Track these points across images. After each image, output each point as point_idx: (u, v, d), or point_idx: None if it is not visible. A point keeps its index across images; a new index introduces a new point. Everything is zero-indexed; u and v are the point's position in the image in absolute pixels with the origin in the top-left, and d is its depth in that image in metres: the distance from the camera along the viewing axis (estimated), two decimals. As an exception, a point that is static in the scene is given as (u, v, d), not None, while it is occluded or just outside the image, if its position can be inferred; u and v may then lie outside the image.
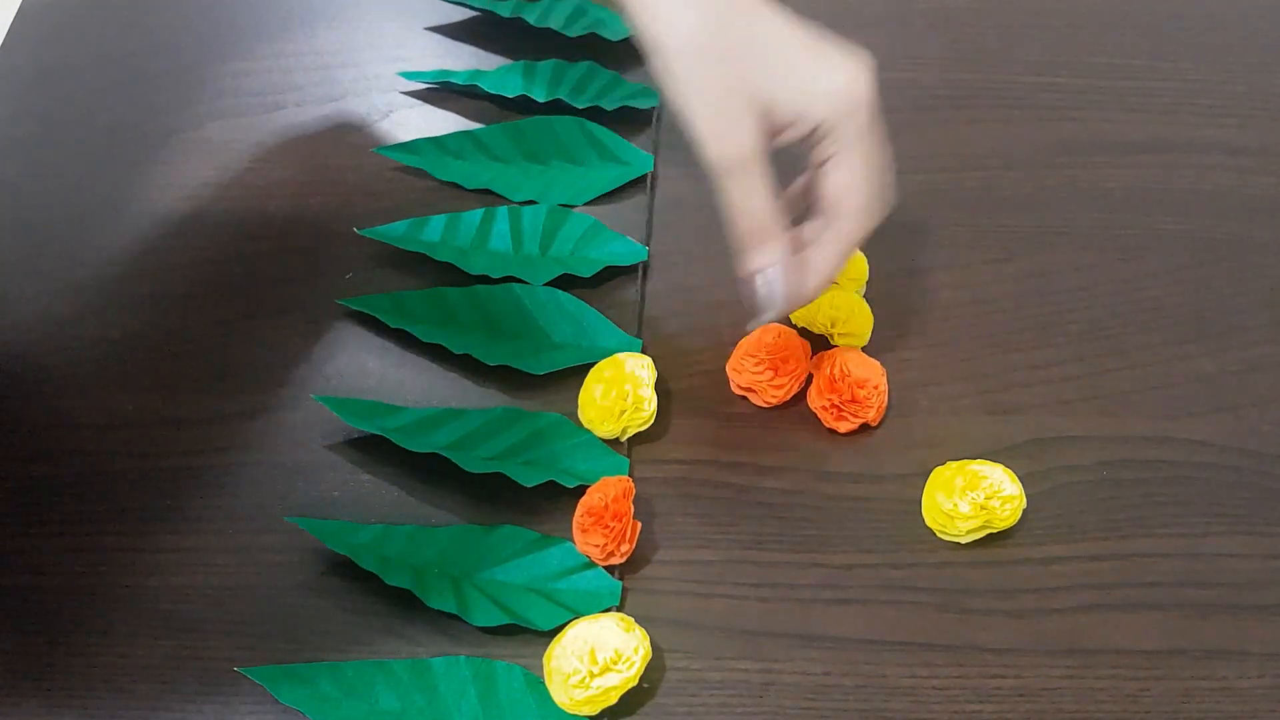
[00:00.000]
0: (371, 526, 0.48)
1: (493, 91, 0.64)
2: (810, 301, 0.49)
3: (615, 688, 0.44)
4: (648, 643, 0.45)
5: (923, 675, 0.46)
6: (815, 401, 0.52)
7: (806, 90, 0.44)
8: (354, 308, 0.55)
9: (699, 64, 0.44)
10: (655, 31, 0.45)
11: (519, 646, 0.46)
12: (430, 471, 0.50)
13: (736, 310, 0.56)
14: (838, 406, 0.51)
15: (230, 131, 0.63)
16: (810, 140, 0.46)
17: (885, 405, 0.52)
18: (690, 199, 0.60)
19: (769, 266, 0.46)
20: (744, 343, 0.53)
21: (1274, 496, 0.51)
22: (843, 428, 0.51)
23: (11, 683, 0.45)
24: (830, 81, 0.44)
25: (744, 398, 0.53)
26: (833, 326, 0.54)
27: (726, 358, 0.54)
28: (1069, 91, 0.66)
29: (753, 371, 0.52)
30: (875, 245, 0.58)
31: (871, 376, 0.51)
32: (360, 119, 0.64)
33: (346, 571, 0.48)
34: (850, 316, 0.54)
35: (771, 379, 0.52)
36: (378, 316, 0.55)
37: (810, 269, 0.47)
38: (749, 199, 0.45)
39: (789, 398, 0.52)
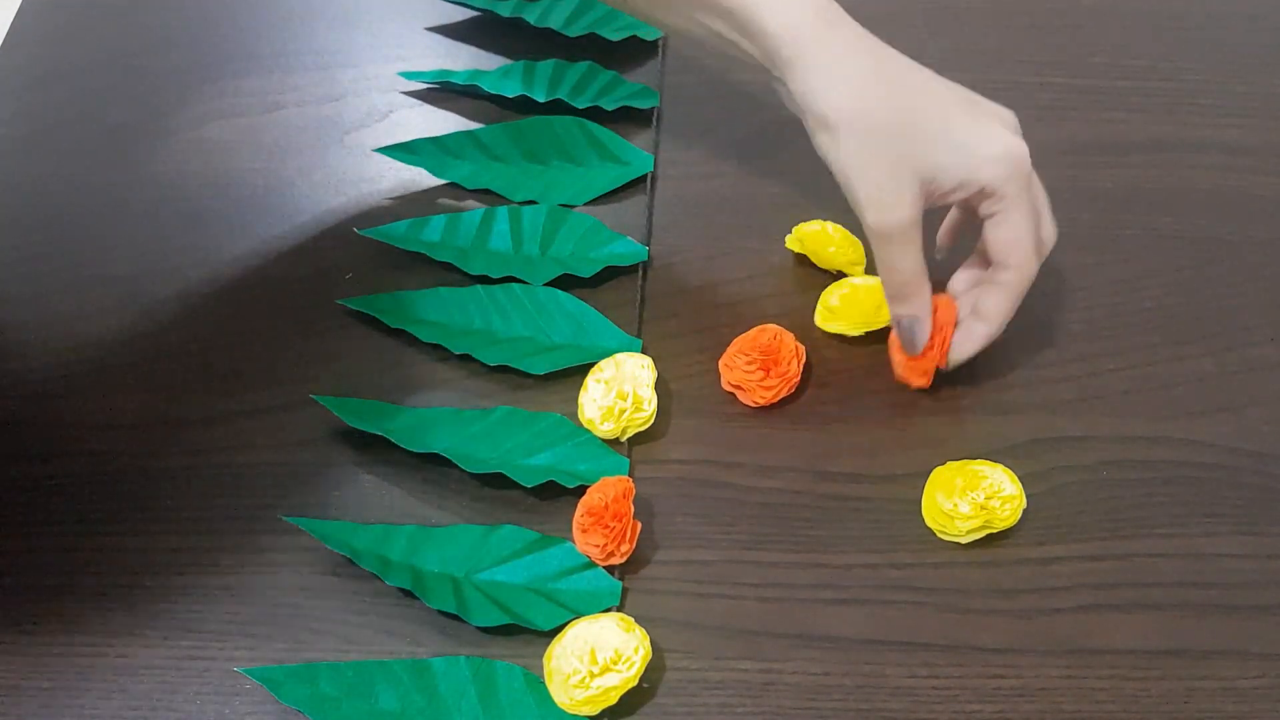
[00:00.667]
0: (371, 526, 0.48)
1: (493, 91, 0.64)
2: (980, 348, 0.51)
3: (615, 688, 0.44)
4: (648, 643, 0.45)
5: (923, 675, 0.46)
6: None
7: (968, 161, 0.47)
8: (354, 308, 0.55)
9: (866, 140, 0.47)
10: (822, 107, 0.47)
11: (519, 646, 0.46)
12: (430, 471, 0.50)
13: (736, 310, 0.56)
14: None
15: (230, 131, 0.63)
16: (974, 199, 0.48)
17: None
18: (690, 199, 0.61)
19: (913, 316, 0.50)
20: (738, 340, 0.53)
21: (1274, 496, 0.51)
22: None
23: (12, 682, 0.45)
24: (991, 148, 0.47)
25: (734, 395, 0.53)
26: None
27: (726, 358, 0.54)
28: (1069, 91, 0.66)
29: (744, 369, 0.52)
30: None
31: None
32: (360, 119, 0.64)
33: (346, 571, 0.48)
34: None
35: (762, 379, 0.52)
36: (378, 316, 0.55)
37: (982, 315, 0.50)
38: (902, 261, 0.49)
39: (777, 399, 0.52)
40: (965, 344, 0.51)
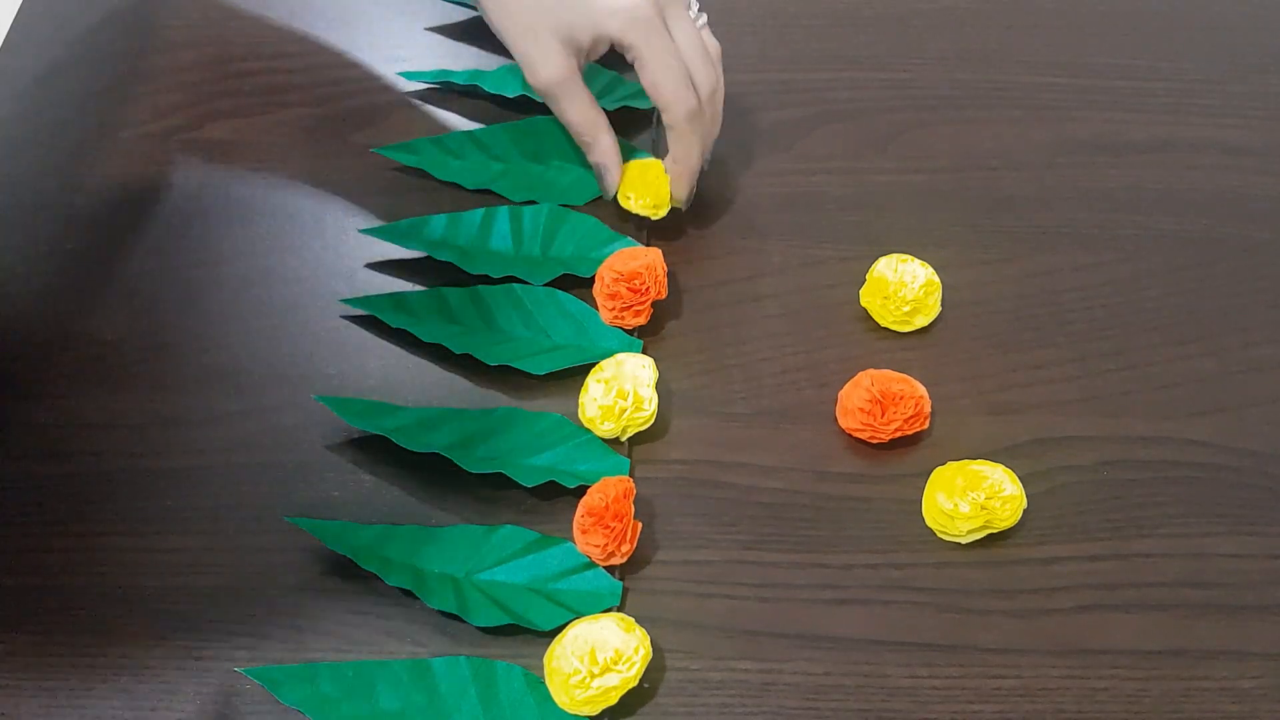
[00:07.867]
0: (371, 526, 0.48)
1: (493, 91, 0.64)
2: (687, 186, 0.57)
3: (615, 688, 0.44)
4: (648, 643, 0.45)
5: (923, 675, 0.46)
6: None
7: (591, 16, 0.53)
8: (354, 308, 0.55)
9: (510, 9, 0.54)
10: None
11: (519, 646, 0.46)
12: (430, 471, 0.50)
13: (737, 310, 0.56)
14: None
15: (230, 131, 0.63)
16: (624, 53, 0.55)
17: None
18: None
19: (600, 164, 0.57)
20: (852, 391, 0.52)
21: (1274, 496, 0.51)
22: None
23: (12, 683, 0.45)
24: (608, 3, 0.53)
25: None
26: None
27: (726, 358, 0.54)
28: (1069, 91, 0.66)
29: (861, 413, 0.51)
30: (875, 245, 0.58)
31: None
32: (360, 119, 0.64)
33: (346, 571, 0.48)
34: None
35: (881, 416, 0.51)
36: (378, 316, 0.55)
37: (672, 158, 0.56)
38: (571, 109, 0.56)
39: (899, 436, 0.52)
40: (673, 187, 0.57)
